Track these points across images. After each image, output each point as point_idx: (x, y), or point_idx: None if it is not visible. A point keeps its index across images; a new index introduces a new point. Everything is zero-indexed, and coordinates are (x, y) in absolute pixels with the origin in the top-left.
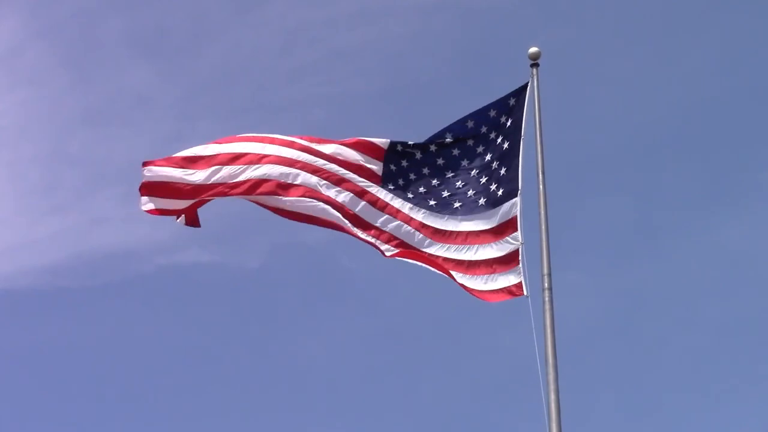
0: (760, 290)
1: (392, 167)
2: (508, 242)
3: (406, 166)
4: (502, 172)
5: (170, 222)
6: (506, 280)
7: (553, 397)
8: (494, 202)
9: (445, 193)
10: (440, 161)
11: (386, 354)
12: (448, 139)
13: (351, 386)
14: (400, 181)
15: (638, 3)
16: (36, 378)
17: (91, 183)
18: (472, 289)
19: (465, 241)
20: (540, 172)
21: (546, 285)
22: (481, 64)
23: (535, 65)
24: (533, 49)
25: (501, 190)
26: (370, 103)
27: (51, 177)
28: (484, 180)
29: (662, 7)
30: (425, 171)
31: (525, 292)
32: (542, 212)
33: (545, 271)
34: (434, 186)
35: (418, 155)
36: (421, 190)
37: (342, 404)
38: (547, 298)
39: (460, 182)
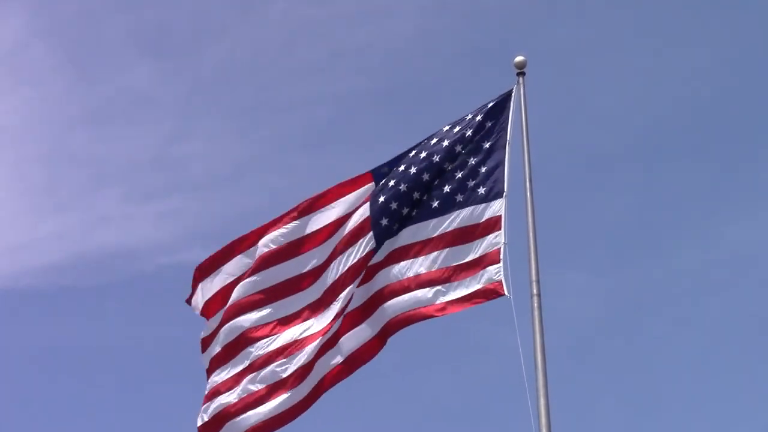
0: (762, 289)
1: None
2: (490, 241)
3: (387, 197)
4: (482, 170)
5: (172, 221)
6: (486, 279)
7: (542, 401)
8: (475, 201)
9: (425, 197)
10: (423, 174)
11: (382, 354)
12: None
13: (350, 386)
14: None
15: (639, 2)
16: (38, 377)
17: (94, 182)
18: (454, 302)
19: (447, 244)
20: (527, 179)
21: (534, 291)
22: (484, 62)
23: (521, 74)
24: (519, 58)
25: (482, 189)
26: (372, 102)
27: (53, 176)
28: (460, 176)
29: (663, 5)
30: (403, 188)
31: (506, 293)
32: (530, 218)
33: (533, 277)
34: (416, 199)
35: (396, 177)
36: (405, 211)
37: (341, 403)
38: (536, 305)
39: (438, 182)
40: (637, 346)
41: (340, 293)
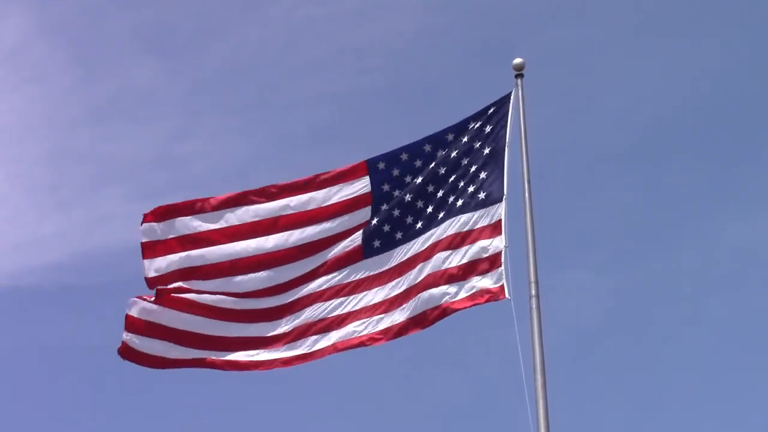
0: (764, 289)
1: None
2: (490, 245)
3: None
4: (482, 176)
5: None
6: (488, 282)
7: (541, 403)
8: (475, 206)
9: (430, 209)
10: (428, 186)
11: (383, 354)
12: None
13: (351, 385)
14: (386, 228)
15: (640, 1)
16: (39, 376)
17: (96, 180)
18: (454, 303)
19: (447, 247)
20: (526, 181)
21: (533, 292)
22: (487, 61)
23: (519, 76)
24: (517, 60)
25: (482, 193)
26: (375, 100)
27: (56, 174)
28: (462, 184)
29: (664, 5)
30: (408, 198)
31: (507, 296)
32: (528, 220)
33: (532, 278)
34: (420, 208)
35: (400, 186)
36: (409, 221)
37: (341, 403)
38: (534, 306)
39: (441, 192)
40: (638, 345)
41: (312, 280)
